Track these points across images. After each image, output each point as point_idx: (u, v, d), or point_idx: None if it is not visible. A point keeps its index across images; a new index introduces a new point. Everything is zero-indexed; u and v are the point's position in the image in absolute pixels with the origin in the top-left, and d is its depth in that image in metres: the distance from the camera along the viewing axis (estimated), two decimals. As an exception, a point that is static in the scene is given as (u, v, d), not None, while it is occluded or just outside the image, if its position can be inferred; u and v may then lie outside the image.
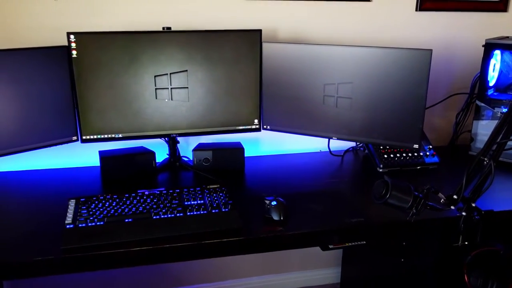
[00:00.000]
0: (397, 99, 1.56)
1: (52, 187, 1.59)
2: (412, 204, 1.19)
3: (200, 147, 1.74)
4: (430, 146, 1.79)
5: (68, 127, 1.59)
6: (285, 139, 1.95)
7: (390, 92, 1.56)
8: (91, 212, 1.31)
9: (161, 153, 1.75)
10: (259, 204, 1.38)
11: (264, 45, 1.67)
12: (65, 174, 1.71)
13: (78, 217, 1.29)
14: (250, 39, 1.65)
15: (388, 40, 1.93)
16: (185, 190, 1.45)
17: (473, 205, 1.21)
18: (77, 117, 1.59)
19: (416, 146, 1.58)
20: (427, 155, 1.76)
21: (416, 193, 1.21)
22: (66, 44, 1.51)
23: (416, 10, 1.93)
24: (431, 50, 1.47)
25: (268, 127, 1.77)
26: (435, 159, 1.76)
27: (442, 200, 1.24)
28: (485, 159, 1.20)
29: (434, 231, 1.45)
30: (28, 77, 1.48)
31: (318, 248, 1.38)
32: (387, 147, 1.77)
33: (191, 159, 1.75)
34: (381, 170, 1.72)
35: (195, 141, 1.83)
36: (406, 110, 1.56)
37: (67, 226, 1.25)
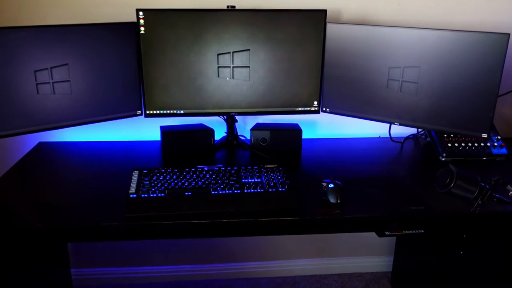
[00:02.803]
0: (467, 86, 1.49)
1: (117, 158, 1.67)
2: (478, 195, 1.15)
3: (258, 127, 1.75)
4: (499, 137, 1.70)
5: (134, 101, 1.65)
6: (343, 123, 1.92)
7: (459, 78, 1.49)
8: (153, 184, 1.36)
9: (219, 131, 1.78)
10: (316, 186, 1.38)
11: (328, 25, 1.64)
12: (129, 146, 1.79)
13: (141, 188, 1.34)
14: (314, 20, 1.62)
15: (458, 23, 1.83)
16: (242, 168, 1.47)
17: (545, 200, 1.15)
18: (142, 92, 1.65)
19: (485, 135, 1.50)
20: (494, 146, 1.68)
21: (483, 184, 1.16)
22: (135, 20, 1.55)
23: (492, -9, 1.82)
24: (508, 34, 1.38)
25: (328, 109, 1.74)
26: (503, 150, 1.67)
27: (511, 193, 1.19)
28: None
29: (499, 225, 1.39)
30: (98, 52, 1.54)
31: (370, 235, 1.36)
32: (451, 135, 1.69)
33: (248, 138, 1.76)
34: (443, 159, 1.66)
35: (252, 120, 1.84)
36: (476, 98, 1.48)
37: (131, 196, 1.31)
